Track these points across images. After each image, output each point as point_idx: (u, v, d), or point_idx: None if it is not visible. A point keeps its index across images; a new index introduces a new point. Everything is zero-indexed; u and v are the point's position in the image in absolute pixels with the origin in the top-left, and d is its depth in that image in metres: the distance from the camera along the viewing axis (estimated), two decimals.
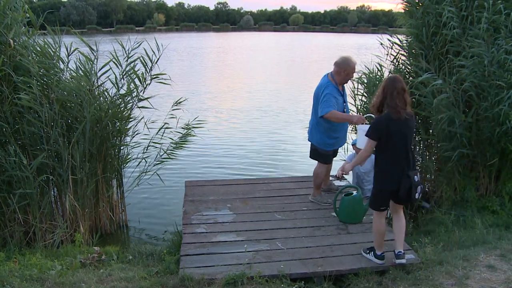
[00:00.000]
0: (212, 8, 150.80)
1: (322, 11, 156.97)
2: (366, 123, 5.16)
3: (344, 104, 5.59)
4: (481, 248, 4.45)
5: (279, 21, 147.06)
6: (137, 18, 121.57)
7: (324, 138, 5.58)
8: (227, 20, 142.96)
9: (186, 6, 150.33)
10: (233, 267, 4.10)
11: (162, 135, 6.81)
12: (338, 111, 5.35)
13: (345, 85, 5.75)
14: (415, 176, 4.04)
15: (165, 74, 6.56)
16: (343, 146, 6.16)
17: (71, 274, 4.24)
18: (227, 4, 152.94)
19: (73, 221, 5.90)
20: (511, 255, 4.40)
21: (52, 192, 6.14)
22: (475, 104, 6.24)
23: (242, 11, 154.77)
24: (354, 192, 5.38)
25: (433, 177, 7.49)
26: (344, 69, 5.43)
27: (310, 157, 5.86)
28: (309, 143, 5.82)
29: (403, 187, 4.00)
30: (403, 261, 4.26)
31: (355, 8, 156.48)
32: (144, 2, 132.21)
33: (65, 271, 4.28)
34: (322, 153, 5.67)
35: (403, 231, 4.34)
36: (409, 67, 7.36)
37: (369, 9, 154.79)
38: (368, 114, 5.60)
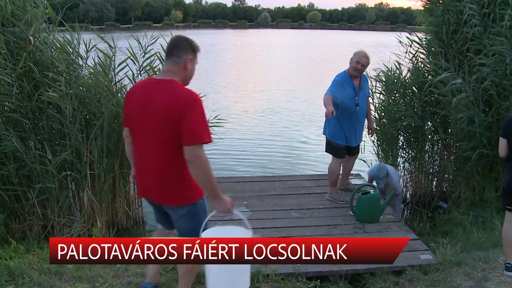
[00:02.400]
0: (229, 5, 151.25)
1: (340, 9, 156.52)
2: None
3: (356, 98, 5.51)
4: (501, 250, 4.37)
5: (297, 18, 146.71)
6: (155, 14, 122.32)
7: (335, 130, 5.57)
8: (244, 17, 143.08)
9: (203, 3, 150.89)
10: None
11: None
12: (330, 96, 5.27)
13: (366, 86, 5.73)
14: None
15: None
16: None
17: (88, 268, 4.28)
18: (244, 1, 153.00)
19: (91, 216, 5.96)
20: None
21: (70, 187, 6.21)
22: (495, 103, 6.14)
23: (259, 8, 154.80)
24: (371, 191, 5.34)
25: (451, 177, 7.40)
26: (352, 59, 5.55)
27: (326, 151, 5.84)
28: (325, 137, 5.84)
29: None
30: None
31: (373, 6, 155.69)
32: None
33: (82, 266, 4.32)
34: (334, 146, 5.65)
35: None
36: (428, 65, 7.28)
37: (388, 7, 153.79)
38: None
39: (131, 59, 6.35)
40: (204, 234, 3.09)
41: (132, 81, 6.34)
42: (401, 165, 7.64)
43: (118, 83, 6.33)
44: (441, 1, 7.04)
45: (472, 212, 6.07)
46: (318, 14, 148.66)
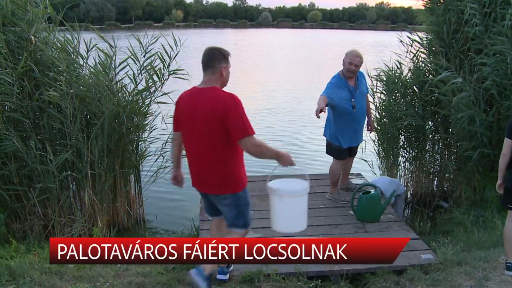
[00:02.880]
0: (230, 4, 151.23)
1: (341, 8, 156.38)
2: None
3: (353, 100, 5.47)
4: (502, 249, 4.37)
5: (297, 17, 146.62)
6: (156, 14, 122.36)
7: (335, 132, 5.56)
8: (245, 17, 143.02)
9: (204, 2, 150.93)
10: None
11: None
12: (325, 98, 5.24)
13: (364, 85, 5.72)
14: None
15: (183, 70, 6.58)
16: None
17: (89, 268, 4.29)
18: (245, 0, 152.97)
19: (91, 216, 5.97)
20: None
21: (71, 187, 6.21)
22: (496, 103, 6.14)
23: (260, 7, 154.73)
24: (372, 191, 5.34)
25: (452, 176, 7.40)
26: (344, 60, 5.48)
27: (326, 152, 5.85)
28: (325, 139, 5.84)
29: None
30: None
31: (374, 5, 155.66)
32: None
33: (83, 265, 4.32)
34: (334, 148, 5.65)
35: None
36: (429, 65, 7.27)
37: (388, 6, 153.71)
38: None
39: (131, 58, 6.36)
40: (271, 184, 3.75)
41: (133, 81, 6.35)
42: (402, 165, 7.63)
43: (118, 83, 6.33)
44: (442, 1, 7.03)
45: (473, 212, 6.07)
46: (319, 14, 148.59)
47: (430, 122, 7.35)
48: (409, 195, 7.73)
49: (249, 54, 38.34)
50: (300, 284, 3.92)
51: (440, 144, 7.52)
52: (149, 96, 6.42)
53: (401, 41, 7.50)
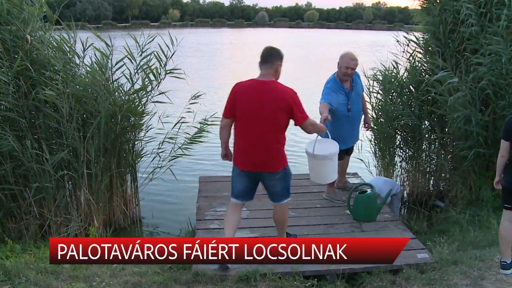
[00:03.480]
0: (227, 4, 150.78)
1: (337, 8, 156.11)
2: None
3: (348, 103, 5.48)
4: (497, 248, 4.39)
5: (294, 17, 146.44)
6: (152, 13, 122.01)
7: (332, 134, 5.54)
8: (241, 16, 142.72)
9: (201, 2, 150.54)
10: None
11: (178, 130, 6.83)
12: (326, 105, 5.27)
13: (360, 85, 5.72)
14: None
15: (179, 69, 6.57)
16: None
17: (85, 267, 4.28)
18: (242, 0, 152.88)
19: (87, 215, 5.95)
20: None
21: (67, 186, 6.19)
22: (492, 103, 6.16)
23: (257, 7, 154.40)
24: (369, 190, 5.35)
25: (448, 176, 7.42)
26: (339, 64, 5.44)
27: None
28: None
29: None
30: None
31: (370, 5, 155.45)
32: None
33: (79, 265, 4.31)
34: None
35: None
36: (425, 64, 7.29)
37: (385, 6, 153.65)
38: None
39: (128, 58, 6.35)
40: (308, 145, 4.84)
41: (130, 80, 6.34)
42: (398, 164, 7.65)
43: (115, 82, 6.32)
44: (438, 1, 7.05)
45: (468, 211, 6.08)
46: (316, 13, 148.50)
47: (426, 122, 7.37)
48: (405, 195, 7.75)
49: (246, 54, 38.34)
50: (296, 284, 3.92)
51: (436, 143, 7.55)
52: (145, 96, 6.41)
53: (397, 41, 7.51)
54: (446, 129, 7.18)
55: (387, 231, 4.98)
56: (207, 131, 6.98)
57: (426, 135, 7.43)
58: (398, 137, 7.54)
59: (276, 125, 4.02)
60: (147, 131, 6.75)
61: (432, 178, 7.73)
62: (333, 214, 5.42)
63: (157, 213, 7.15)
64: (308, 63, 31.76)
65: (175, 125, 6.84)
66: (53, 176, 5.55)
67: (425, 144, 7.55)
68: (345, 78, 5.44)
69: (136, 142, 6.66)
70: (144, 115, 6.56)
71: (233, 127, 4.28)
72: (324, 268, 4.10)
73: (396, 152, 7.53)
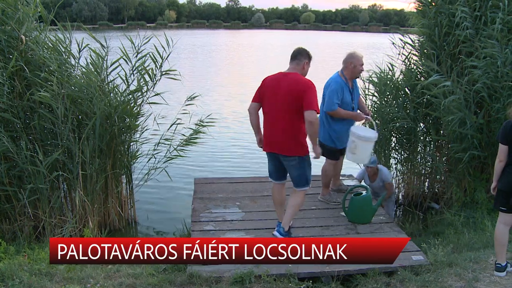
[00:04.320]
0: (223, 5, 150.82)
1: (334, 10, 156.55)
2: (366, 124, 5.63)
3: (353, 102, 5.53)
4: (491, 250, 4.40)
5: (290, 19, 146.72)
6: (148, 14, 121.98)
7: (330, 133, 5.56)
8: (238, 18, 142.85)
9: (197, 3, 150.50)
10: (241, 265, 4.09)
11: (174, 132, 6.82)
12: (342, 109, 5.37)
13: (357, 83, 5.73)
14: None
15: (175, 70, 6.57)
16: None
17: (79, 269, 4.26)
18: (238, 1, 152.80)
19: (82, 217, 5.93)
20: None
21: (62, 187, 6.17)
22: (486, 105, 6.18)
23: (253, 9, 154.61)
24: (364, 192, 5.36)
25: (443, 178, 7.44)
26: (350, 61, 5.46)
27: None
28: None
29: None
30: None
31: (366, 7, 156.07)
32: None
33: (73, 266, 4.29)
34: (328, 149, 5.64)
35: None
36: (420, 67, 7.31)
37: (381, 8, 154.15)
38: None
39: (123, 59, 6.34)
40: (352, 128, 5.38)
41: (125, 81, 6.32)
42: (394, 166, 7.67)
43: (110, 83, 6.31)
44: (433, 4, 7.08)
45: (463, 213, 6.11)
46: (312, 15, 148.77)
47: (421, 124, 7.39)
48: (400, 197, 7.76)
49: (241, 56, 38.39)
50: (291, 286, 3.91)
51: (432, 146, 7.57)
52: (141, 97, 6.40)
53: (393, 43, 7.53)
54: (441, 132, 7.21)
55: (382, 233, 4.99)
56: (203, 133, 6.97)
57: (421, 138, 7.46)
58: (394, 139, 7.57)
59: (291, 111, 4.38)
60: (143, 132, 6.73)
61: (427, 180, 7.75)
62: (328, 216, 5.42)
63: (152, 214, 7.14)
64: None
65: (170, 126, 6.83)
66: (47, 177, 5.53)
67: (420, 147, 7.57)
68: (357, 76, 5.59)
69: (131, 144, 6.65)
70: (140, 116, 6.55)
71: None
72: (319, 270, 4.10)
73: (392, 154, 7.55)
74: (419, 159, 7.65)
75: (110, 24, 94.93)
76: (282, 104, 4.42)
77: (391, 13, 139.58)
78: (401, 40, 7.49)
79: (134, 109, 6.39)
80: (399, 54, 7.50)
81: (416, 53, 7.46)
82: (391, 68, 7.51)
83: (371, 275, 4.13)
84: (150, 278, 4.11)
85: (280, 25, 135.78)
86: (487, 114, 6.24)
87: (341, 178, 6.34)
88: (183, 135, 6.92)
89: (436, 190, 7.63)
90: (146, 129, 6.78)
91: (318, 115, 4.41)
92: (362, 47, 44.30)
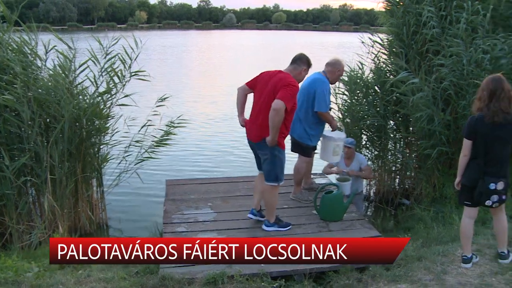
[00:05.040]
0: (194, 6, 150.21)
1: (305, 10, 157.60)
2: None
3: (330, 103, 5.72)
4: (459, 243, 4.50)
5: (262, 19, 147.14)
6: (119, 15, 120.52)
7: (309, 131, 5.61)
8: (209, 18, 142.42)
9: (168, 3, 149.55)
10: (214, 266, 4.07)
11: (145, 133, 6.76)
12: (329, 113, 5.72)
13: None
14: (493, 184, 3.93)
15: (144, 71, 6.51)
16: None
17: (48, 276, 4.17)
18: (209, 2, 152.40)
19: (52, 222, 5.82)
20: (486, 250, 4.48)
21: (30, 192, 6.04)
22: (453, 102, 6.31)
23: (225, 9, 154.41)
24: (335, 190, 5.40)
25: (413, 174, 7.57)
26: (338, 69, 5.71)
27: (292, 150, 5.85)
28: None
29: (478, 189, 3.99)
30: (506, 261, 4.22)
31: (337, 7, 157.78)
32: (126, 0, 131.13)
33: (42, 273, 4.21)
34: (305, 147, 5.69)
35: (501, 232, 4.24)
36: (389, 65, 7.42)
37: (351, 8, 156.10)
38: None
39: (92, 60, 6.25)
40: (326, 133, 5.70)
41: (94, 83, 6.23)
42: None
43: (79, 86, 6.21)
44: (401, 3, 7.19)
45: (433, 208, 6.22)
46: (283, 15, 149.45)
47: (391, 122, 7.50)
48: (372, 194, 7.86)
49: (217, 56, 38.31)
50: (264, 285, 3.92)
51: (401, 143, 7.68)
52: (110, 99, 6.32)
53: (362, 42, 7.62)
54: (411, 129, 7.33)
55: (353, 230, 5.04)
56: (174, 134, 6.93)
57: (391, 135, 7.57)
58: (364, 137, 7.66)
59: (269, 103, 4.52)
60: (113, 135, 6.65)
61: (398, 176, 7.87)
62: (300, 214, 5.45)
63: (124, 217, 7.06)
64: (279, 65, 31.80)
65: (141, 128, 6.77)
66: (14, 182, 5.41)
67: (390, 144, 7.68)
68: (335, 81, 5.93)
69: (101, 146, 6.56)
70: (110, 118, 6.47)
71: None
72: (291, 268, 4.12)
73: (363, 152, 7.63)
74: (389, 156, 7.76)
75: (80, 25, 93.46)
76: (265, 98, 4.63)
77: (362, 12, 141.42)
78: (370, 39, 7.59)
79: (104, 111, 6.30)
80: (368, 53, 7.59)
81: (385, 52, 7.57)
82: (361, 67, 7.60)
83: (343, 271, 4.17)
84: (122, 282, 4.05)
85: (252, 25, 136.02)
86: (454, 111, 6.37)
87: (312, 176, 6.39)
88: (154, 136, 6.87)
89: (406, 186, 7.76)
90: (117, 132, 6.70)
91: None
92: (333, 47, 44.81)
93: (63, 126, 5.64)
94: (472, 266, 4.18)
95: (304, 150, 5.71)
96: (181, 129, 7.17)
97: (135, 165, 6.69)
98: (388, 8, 7.57)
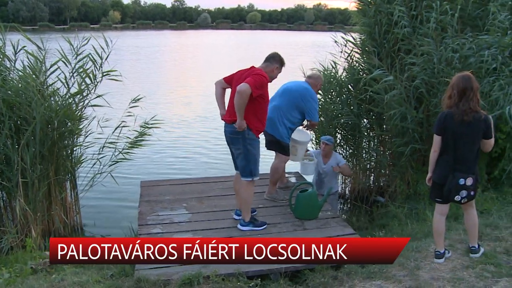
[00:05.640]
0: (169, 5, 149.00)
1: (279, 9, 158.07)
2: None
3: None
4: (432, 239, 4.57)
5: (237, 19, 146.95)
6: (92, 15, 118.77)
7: (289, 131, 5.67)
8: (184, 18, 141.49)
9: (142, 3, 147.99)
10: (189, 266, 4.05)
11: (119, 135, 6.69)
12: None
13: None
14: (462, 179, 4.00)
15: (116, 70, 6.44)
16: None
17: (20, 281, 4.10)
18: (184, 2, 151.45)
19: (24, 226, 5.72)
20: (458, 245, 4.57)
21: (1, 196, 5.92)
22: (425, 100, 6.42)
23: (199, 9, 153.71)
24: (309, 189, 5.43)
25: (387, 171, 7.67)
26: (319, 82, 5.96)
27: (268, 148, 5.84)
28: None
29: (447, 186, 4.05)
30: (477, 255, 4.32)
31: (312, 7, 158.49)
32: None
33: (13, 279, 4.13)
34: (284, 145, 5.72)
35: (472, 227, 4.32)
36: (362, 64, 7.50)
37: (326, 8, 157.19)
38: None
39: (62, 61, 6.15)
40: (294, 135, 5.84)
41: (65, 84, 6.14)
42: None
43: (50, 87, 6.11)
44: (373, 3, 7.28)
45: (407, 205, 6.33)
46: (258, 15, 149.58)
47: (365, 120, 7.59)
48: (347, 192, 7.94)
49: (185, 57, 38.08)
50: (240, 284, 3.92)
51: (376, 141, 7.78)
52: (82, 100, 6.23)
53: (335, 42, 7.69)
54: (384, 127, 7.42)
55: (328, 228, 5.07)
56: (149, 135, 6.88)
57: (365, 133, 7.66)
58: (338, 135, 7.73)
59: None
60: (86, 136, 6.57)
61: (373, 174, 7.97)
62: (275, 213, 5.46)
63: (99, 220, 6.97)
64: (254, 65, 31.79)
65: (115, 129, 6.70)
66: None
67: (364, 142, 7.77)
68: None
69: (74, 148, 6.46)
70: (82, 119, 6.38)
71: None
72: (267, 268, 4.12)
73: (337, 150, 7.70)
74: (364, 154, 7.85)
75: (52, 25, 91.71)
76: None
77: (336, 12, 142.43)
78: (343, 38, 7.66)
79: (76, 112, 6.21)
80: (341, 52, 7.67)
81: (358, 51, 7.66)
82: (334, 66, 7.67)
83: (319, 269, 4.20)
84: (97, 285, 4.00)
85: (226, 25, 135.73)
86: (426, 109, 6.48)
87: (287, 175, 6.42)
88: (128, 137, 6.80)
89: (381, 184, 7.86)
90: (90, 133, 6.61)
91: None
92: (307, 46, 45.08)
93: (35, 128, 5.54)
94: (445, 261, 4.26)
95: (284, 148, 5.73)
96: (155, 130, 7.12)
97: (109, 167, 6.62)
98: (360, 7, 7.67)
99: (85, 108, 6.32)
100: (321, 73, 7.53)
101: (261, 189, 5.87)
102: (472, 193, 4.06)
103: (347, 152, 7.79)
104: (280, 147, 5.74)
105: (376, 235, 5.13)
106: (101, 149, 6.63)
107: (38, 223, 5.82)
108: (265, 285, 4.07)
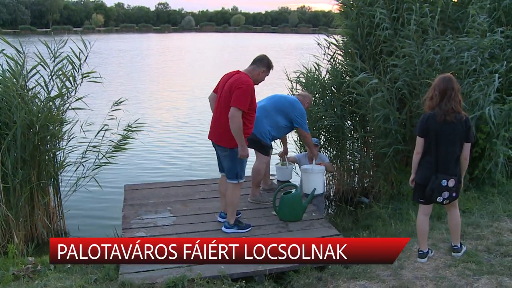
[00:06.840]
0: (152, 8, 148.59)
1: (264, 12, 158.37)
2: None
3: None
4: (415, 239, 4.62)
5: (221, 21, 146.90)
6: (75, 18, 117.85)
7: (270, 130, 5.69)
8: (168, 21, 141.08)
9: (126, 6, 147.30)
10: (174, 270, 4.05)
11: (102, 138, 6.64)
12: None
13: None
14: (445, 180, 4.05)
15: (95, 72, 6.39)
16: None
17: (1, 286, 4.04)
18: (168, 4, 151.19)
19: (6, 232, 5.65)
20: (441, 244, 4.63)
21: None
22: (408, 102, 6.49)
23: (183, 11, 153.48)
24: (293, 190, 5.44)
25: (371, 172, 7.72)
26: (307, 101, 6.17)
27: (248, 147, 5.81)
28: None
29: (429, 186, 4.08)
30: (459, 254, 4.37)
31: (296, 9, 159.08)
32: (82, 2, 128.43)
33: None
34: (264, 145, 5.73)
35: (455, 227, 4.38)
36: (345, 66, 7.55)
37: (309, 10, 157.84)
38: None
39: (41, 65, 6.09)
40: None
41: (44, 87, 6.08)
42: None
43: (31, 91, 6.04)
44: (355, 5, 7.34)
45: (391, 206, 6.37)
46: (242, 17, 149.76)
47: (348, 122, 7.63)
48: (331, 193, 7.97)
49: (168, 60, 37.93)
50: (224, 287, 3.92)
51: (359, 142, 7.83)
52: (63, 103, 6.18)
53: (318, 44, 7.73)
54: (368, 128, 7.47)
55: (313, 230, 5.09)
56: (132, 138, 6.84)
57: (349, 135, 7.69)
58: (322, 137, 7.75)
59: (227, 106, 4.62)
60: (69, 140, 6.51)
61: (357, 175, 8.01)
62: (259, 216, 5.46)
63: (83, 224, 6.90)
64: (238, 68, 31.80)
65: (98, 132, 6.64)
66: None
67: (348, 143, 7.81)
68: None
69: (57, 152, 6.40)
70: (65, 123, 6.32)
71: None
72: (252, 270, 4.13)
73: (321, 152, 7.73)
74: (348, 156, 7.89)
75: (34, 29, 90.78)
76: (223, 98, 4.71)
77: (320, 14, 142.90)
78: (326, 40, 7.70)
79: (57, 116, 6.15)
80: (324, 54, 7.71)
81: (341, 53, 7.70)
82: (317, 68, 7.70)
83: (303, 271, 4.21)
84: None
85: (211, 27, 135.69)
86: (409, 110, 6.55)
87: (271, 177, 6.44)
88: (112, 141, 6.76)
89: (365, 184, 7.90)
90: (73, 137, 6.55)
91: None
92: (291, 48, 45.23)
93: (15, 132, 5.48)
94: (428, 260, 4.31)
95: (264, 148, 5.74)
96: (139, 133, 7.08)
97: (93, 170, 6.56)
98: (342, 10, 7.72)
99: (66, 111, 6.26)
100: (305, 75, 7.58)
101: (245, 191, 5.86)
102: (454, 194, 4.12)
103: (331, 154, 7.82)
104: (260, 146, 5.74)
105: (360, 236, 5.15)
106: (84, 153, 6.57)
107: (20, 229, 5.75)
108: (250, 287, 4.07)
